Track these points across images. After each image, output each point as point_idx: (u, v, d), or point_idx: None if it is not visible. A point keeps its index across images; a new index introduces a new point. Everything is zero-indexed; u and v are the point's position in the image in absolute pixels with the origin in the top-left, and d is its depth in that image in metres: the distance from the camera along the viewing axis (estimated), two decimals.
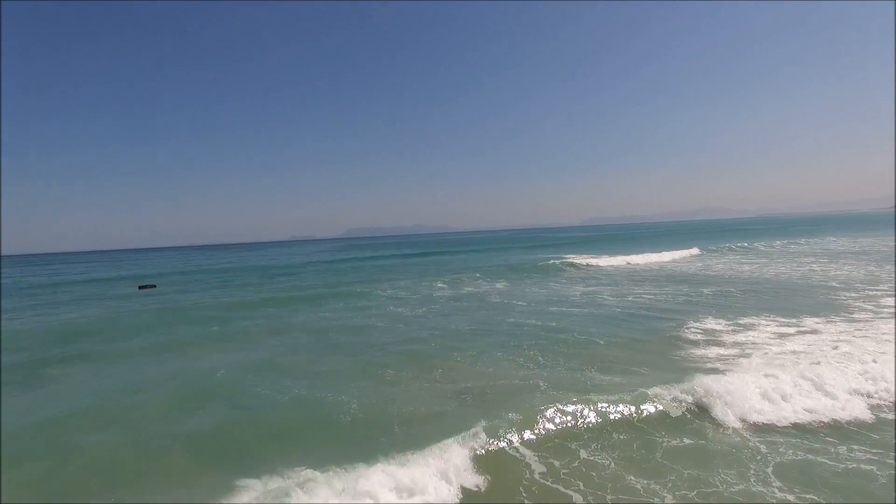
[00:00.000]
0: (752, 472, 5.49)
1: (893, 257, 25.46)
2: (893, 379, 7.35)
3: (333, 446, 6.16)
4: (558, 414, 6.62)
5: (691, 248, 38.89)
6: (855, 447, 5.88)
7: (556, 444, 6.10)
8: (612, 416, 6.66)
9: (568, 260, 33.25)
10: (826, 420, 6.59)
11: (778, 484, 5.22)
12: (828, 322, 11.54)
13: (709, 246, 41.99)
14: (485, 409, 7.05)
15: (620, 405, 6.84)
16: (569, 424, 6.47)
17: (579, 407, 6.80)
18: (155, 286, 29.98)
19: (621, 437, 6.31)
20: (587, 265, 30.29)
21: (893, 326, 10.71)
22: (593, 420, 6.58)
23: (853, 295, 15.03)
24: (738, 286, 18.47)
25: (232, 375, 9.50)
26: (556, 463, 5.77)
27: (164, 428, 7.01)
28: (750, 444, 6.09)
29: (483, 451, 5.78)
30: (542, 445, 6.05)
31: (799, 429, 6.43)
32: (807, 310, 13.11)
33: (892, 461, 5.51)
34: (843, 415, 6.67)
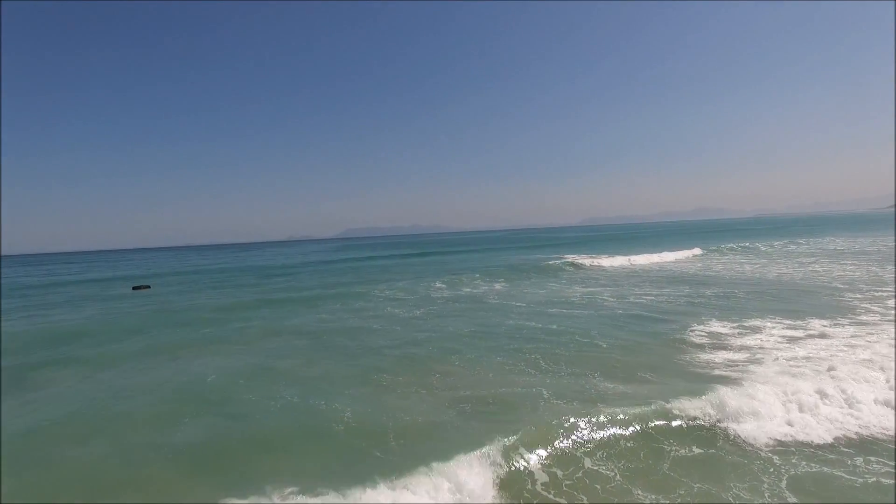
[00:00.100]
0: (765, 485, 5.22)
1: (894, 258, 25.27)
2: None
3: (326, 461, 5.85)
4: (562, 421, 6.33)
5: (692, 248, 38.64)
6: (872, 459, 5.61)
7: (560, 453, 5.82)
8: (617, 424, 6.35)
9: (567, 260, 33.04)
10: (841, 431, 6.30)
11: (793, 500, 4.95)
12: (835, 325, 11.27)
13: (709, 246, 41.80)
14: (485, 419, 6.77)
15: (626, 413, 6.54)
16: (572, 432, 6.16)
17: (583, 414, 6.51)
18: (149, 287, 29.64)
19: (628, 445, 6.04)
20: (586, 265, 30.06)
21: (894, 327, 10.50)
22: (598, 428, 6.28)
23: (858, 296, 14.79)
24: (740, 287, 18.22)
25: (223, 381, 9.20)
26: (560, 473, 5.51)
27: (149, 438, 6.70)
28: (762, 454, 5.82)
29: (483, 463, 5.48)
30: (545, 454, 5.76)
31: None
32: (813, 311, 12.85)
33: None
34: (857, 424, 6.38)
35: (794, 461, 5.65)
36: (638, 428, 6.30)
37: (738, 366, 8.67)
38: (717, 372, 8.42)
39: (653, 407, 6.65)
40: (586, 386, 8.00)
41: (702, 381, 7.81)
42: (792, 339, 10.23)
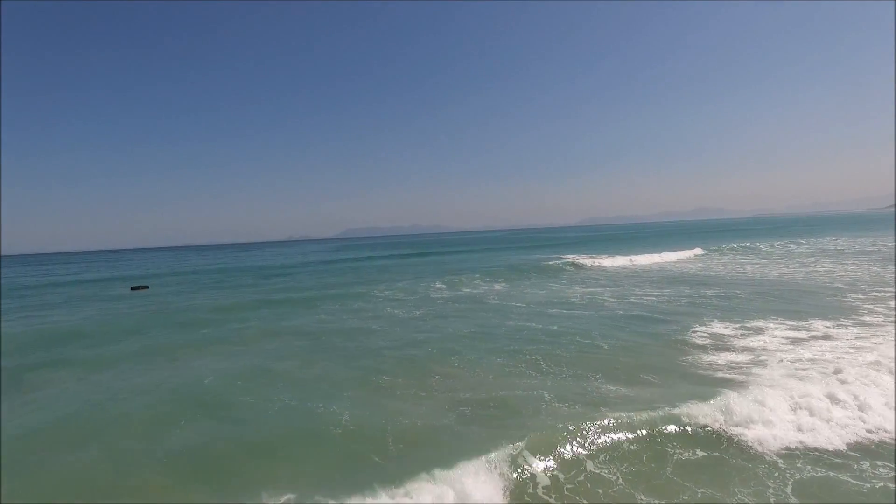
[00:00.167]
0: (770, 490, 5.14)
1: (894, 258, 25.19)
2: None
3: (324, 466, 5.74)
4: (564, 423, 6.23)
5: (693, 248, 38.54)
6: (879, 464, 5.51)
7: (562, 456, 5.72)
8: (619, 427, 6.23)
9: (567, 260, 32.95)
10: (849, 435, 6.20)
11: None
12: (839, 326, 11.17)
13: (709, 246, 41.69)
14: (486, 423, 6.67)
15: (629, 416, 6.43)
16: (575, 435, 6.05)
17: (585, 416, 6.42)
18: (147, 287, 29.54)
19: (631, 448, 5.93)
20: (587, 265, 29.98)
21: (894, 328, 10.41)
22: (600, 431, 6.16)
23: (860, 297, 14.70)
24: (742, 287, 18.14)
25: (221, 382, 9.10)
26: (562, 476, 5.42)
27: (144, 443, 6.59)
28: (767, 459, 5.72)
29: (489, 471, 5.34)
30: (548, 458, 5.65)
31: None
32: (815, 312, 12.76)
33: None
34: (865, 428, 6.29)
35: (799, 465, 5.56)
36: (641, 431, 6.19)
37: (741, 368, 8.57)
38: (720, 374, 8.32)
39: (656, 410, 6.55)
40: (588, 388, 7.90)
41: (705, 384, 7.72)
42: (795, 341, 10.12)
